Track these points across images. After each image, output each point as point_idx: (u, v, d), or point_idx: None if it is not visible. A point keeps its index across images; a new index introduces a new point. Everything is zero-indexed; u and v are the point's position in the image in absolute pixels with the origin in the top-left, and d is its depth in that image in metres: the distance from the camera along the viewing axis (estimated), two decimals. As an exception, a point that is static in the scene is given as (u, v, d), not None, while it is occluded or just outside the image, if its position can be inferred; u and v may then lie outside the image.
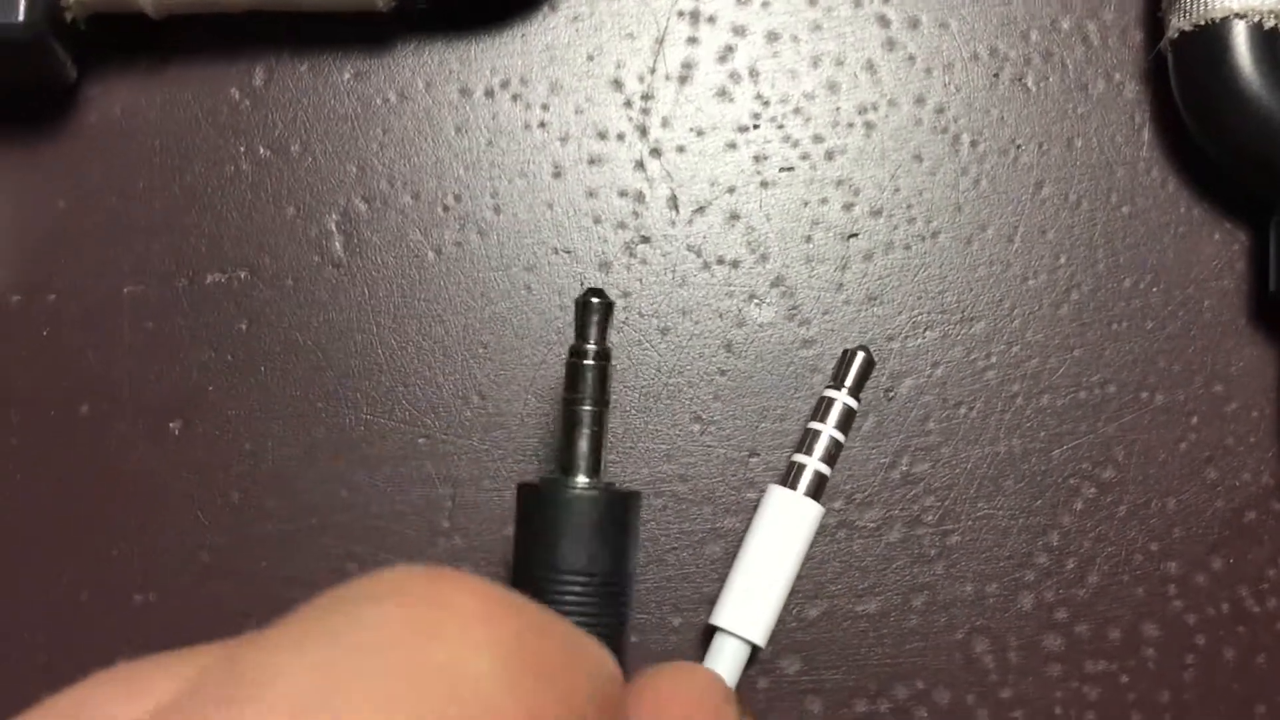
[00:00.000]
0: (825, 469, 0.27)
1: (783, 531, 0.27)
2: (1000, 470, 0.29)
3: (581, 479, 0.23)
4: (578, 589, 0.23)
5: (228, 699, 0.12)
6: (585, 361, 0.24)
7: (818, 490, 0.27)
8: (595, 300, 0.23)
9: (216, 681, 0.13)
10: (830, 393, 0.28)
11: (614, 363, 0.28)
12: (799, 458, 0.27)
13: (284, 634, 0.13)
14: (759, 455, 0.29)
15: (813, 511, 0.27)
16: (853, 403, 0.27)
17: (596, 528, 0.23)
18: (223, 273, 0.29)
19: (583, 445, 0.23)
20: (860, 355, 0.27)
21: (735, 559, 0.27)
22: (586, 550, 0.23)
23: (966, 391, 0.29)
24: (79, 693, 0.14)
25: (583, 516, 0.23)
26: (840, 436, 0.27)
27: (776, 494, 0.27)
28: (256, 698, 0.12)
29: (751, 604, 0.27)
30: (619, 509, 0.23)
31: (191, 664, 0.14)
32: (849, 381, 0.27)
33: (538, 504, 0.23)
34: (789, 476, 0.27)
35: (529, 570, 0.23)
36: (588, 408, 0.24)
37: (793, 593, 0.28)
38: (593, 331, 0.24)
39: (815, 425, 0.27)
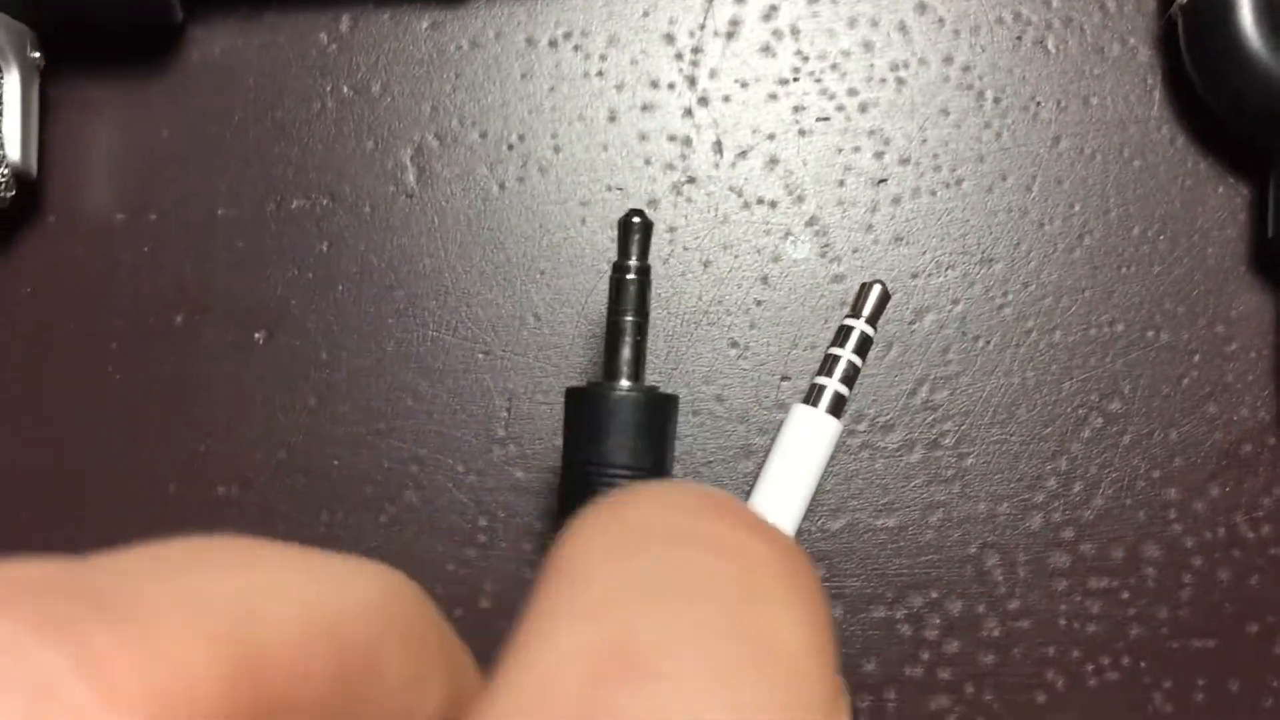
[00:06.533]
0: (844, 389, 0.30)
1: (805, 444, 0.29)
2: (1014, 399, 0.31)
3: (624, 383, 0.25)
4: (623, 482, 0.25)
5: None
6: (628, 276, 0.26)
7: (837, 408, 0.30)
8: (636, 220, 0.26)
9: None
10: (849, 321, 0.30)
11: (659, 290, 0.31)
12: (820, 379, 0.30)
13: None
14: (790, 380, 0.31)
15: (832, 426, 0.30)
16: (869, 330, 0.30)
17: (638, 425, 0.25)
18: (307, 199, 0.32)
19: (625, 353, 0.26)
20: (876, 287, 0.30)
21: (762, 468, 0.30)
22: (630, 446, 0.25)
23: (984, 326, 0.31)
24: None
25: (626, 415, 0.25)
26: (858, 361, 0.30)
27: (799, 411, 0.30)
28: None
29: (776, 508, 0.29)
30: (659, 409, 0.26)
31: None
32: (865, 311, 0.30)
33: (585, 405, 0.26)
34: (811, 396, 0.30)
35: (577, 465, 0.26)
36: (630, 319, 0.26)
37: (818, 506, 0.31)
38: (634, 248, 0.26)
39: (835, 350, 0.30)
